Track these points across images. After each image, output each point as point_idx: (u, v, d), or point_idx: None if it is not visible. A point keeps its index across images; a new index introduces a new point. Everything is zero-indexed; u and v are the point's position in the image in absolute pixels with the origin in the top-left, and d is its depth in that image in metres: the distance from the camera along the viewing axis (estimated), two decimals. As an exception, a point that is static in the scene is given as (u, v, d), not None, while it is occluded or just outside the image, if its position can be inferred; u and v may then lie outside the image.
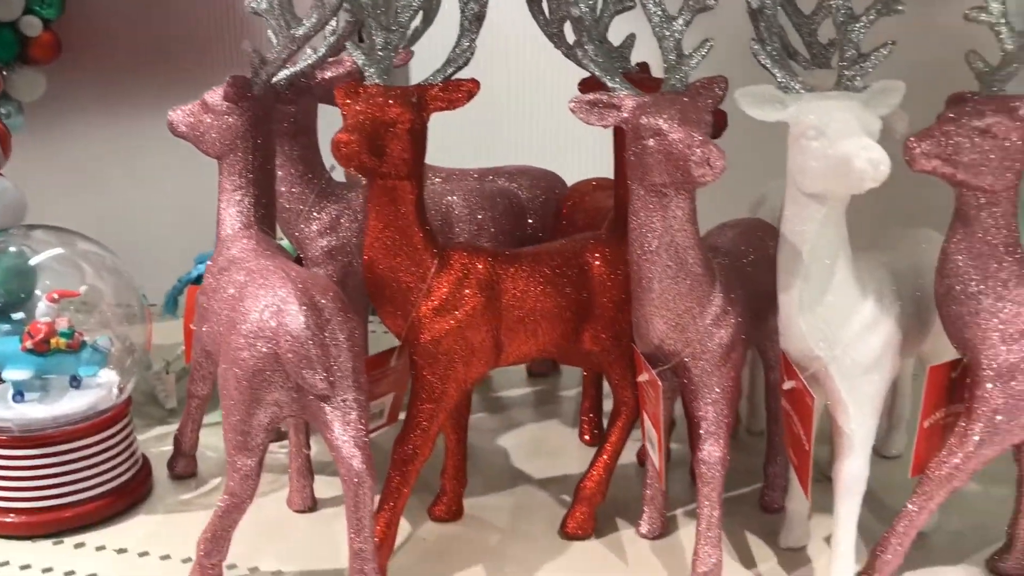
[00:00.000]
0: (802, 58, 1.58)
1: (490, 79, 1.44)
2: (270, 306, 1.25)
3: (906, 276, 1.38)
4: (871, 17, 1.29)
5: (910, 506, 1.32)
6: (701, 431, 1.37)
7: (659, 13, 1.32)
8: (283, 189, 1.73)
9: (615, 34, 1.53)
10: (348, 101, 1.33)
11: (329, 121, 1.58)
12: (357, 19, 1.42)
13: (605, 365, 1.52)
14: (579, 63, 1.39)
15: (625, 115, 1.27)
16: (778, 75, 1.30)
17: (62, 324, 1.56)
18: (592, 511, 1.54)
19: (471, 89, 1.35)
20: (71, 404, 1.57)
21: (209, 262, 1.51)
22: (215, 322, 1.38)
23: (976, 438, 1.28)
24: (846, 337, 1.29)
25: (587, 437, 1.87)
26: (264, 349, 1.24)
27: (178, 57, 2.47)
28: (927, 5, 1.54)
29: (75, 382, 1.61)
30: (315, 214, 1.72)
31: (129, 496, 1.62)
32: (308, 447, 1.61)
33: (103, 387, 1.62)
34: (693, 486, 1.50)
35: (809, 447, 1.30)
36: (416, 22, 1.46)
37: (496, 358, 1.43)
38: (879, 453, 1.66)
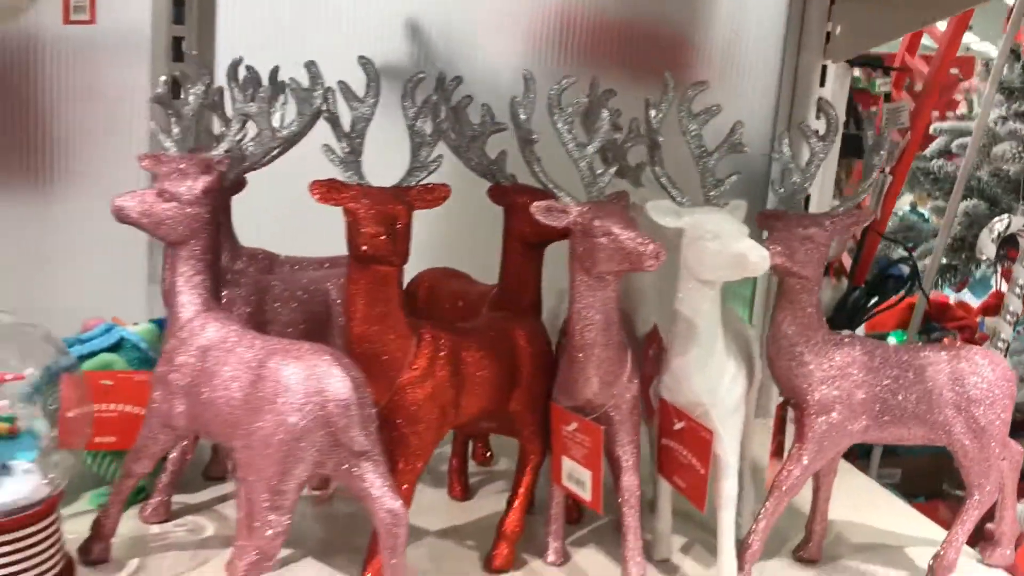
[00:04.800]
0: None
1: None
2: (313, 375, 1.40)
3: (738, 339, 1.88)
4: (722, 152, 1.79)
5: (767, 507, 1.78)
6: (622, 465, 1.73)
7: (573, 141, 1.70)
8: None
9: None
10: (352, 197, 1.53)
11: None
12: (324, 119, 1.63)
13: (520, 422, 1.82)
14: (536, 179, 1.72)
15: (573, 218, 1.62)
16: (673, 194, 1.75)
17: (2, 409, 1.52)
18: (513, 547, 1.82)
19: (446, 193, 1.62)
20: (15, 491, 1.52)
21: (168, 344, 1.58)
22: (205, 403, 1.48)
23: (807, 457, 1.78)
24: (722, 388, 1.74)
25: (457, 492, 2.13)
26: (313, 413, 1.39)
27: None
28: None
29: (5, 470, 1.55)
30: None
31: (62, 585, 1.59)
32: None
33: (32, 474, 1.58)
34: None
35: (706, 472, 1.72)
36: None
37: (456, 418, 1.69)
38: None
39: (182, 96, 1.90)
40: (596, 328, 1.64)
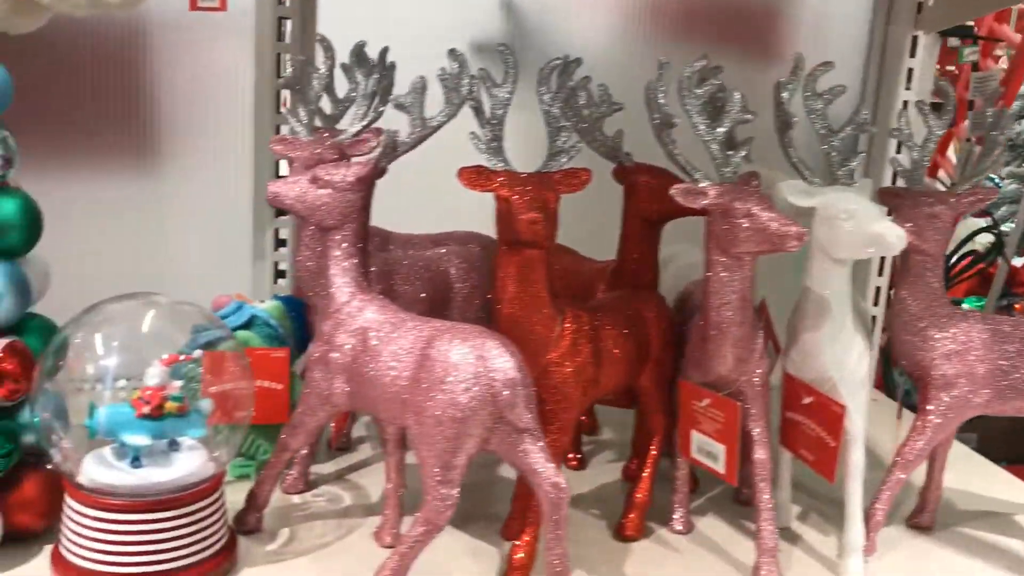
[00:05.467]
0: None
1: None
2: (482, 356, 1.47)
3: (861, 315, 1.92)
4: (847, 132, 1.82)
5: (891, 479, 1.84)
6: (754, 440, 1.79)
7: (703, 123, 1.74)
8: (314, 255, 1.92)
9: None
10: (503, 184, 1.58)
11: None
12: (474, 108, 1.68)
13: (649, 397, 1.88)
14: (673, 161, 1.76)
15: (712, 199, 1.66)
16: (805, 173, 1.78)
17: (173, 388, 1.59)
18: (643, 516, 1.89)
19: (587, 178, 1.67)
20: (189, 466, 1.60)
21: (325, 325, 1.65)
22: (369, 382, 1.55)
23: (931, 430, 1.83)
24: (851, 362, 1.79)
25: (573, 463, 2.20)
26: (483, 392, 1.46)
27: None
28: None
29: (175, 445, 1.63)
30: None
31: (229, 556, 1.66)
32: (405, 486, 1.78)
33: (199, 450, 1.66)
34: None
35: (837, 444, 1.77)
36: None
37: (594, 394, 1.75)
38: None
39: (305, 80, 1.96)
40: (732, 307, 1.69)
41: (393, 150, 1.68)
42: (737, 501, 2.08)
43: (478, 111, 1.69)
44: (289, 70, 1.98)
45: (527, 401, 1.49)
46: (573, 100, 1.91)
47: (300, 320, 2.15)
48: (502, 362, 1.47)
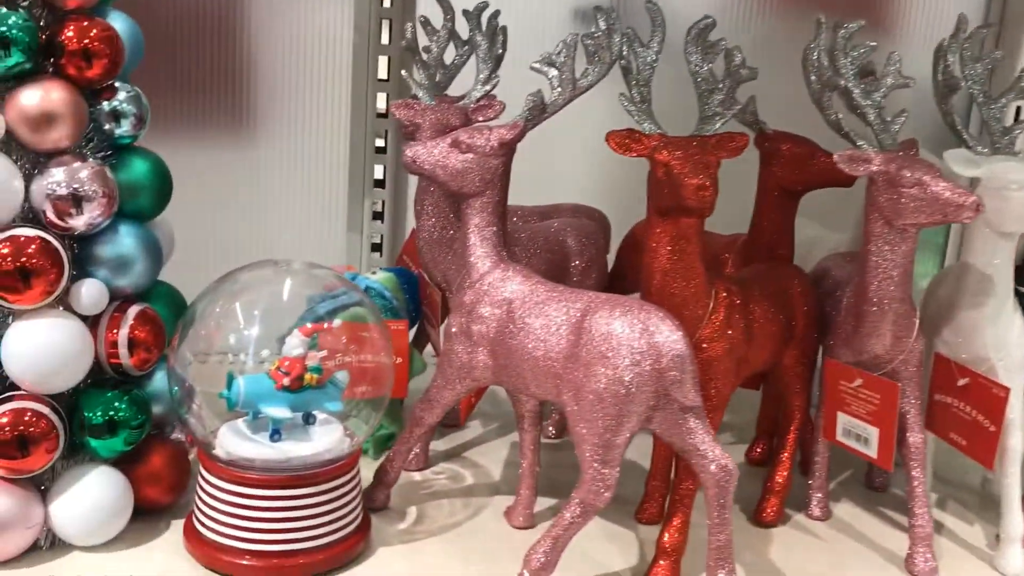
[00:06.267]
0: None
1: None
2: (647, 329, 1.38)
3: None
4: (1009, 98, 1.71)
5: None
6: (908, 423, 1.69)
7: (859, 88, 1.64)
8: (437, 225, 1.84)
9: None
10: (659, 147, 1.49)
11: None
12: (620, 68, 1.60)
13: (791, 377, 1.79)
14: (837, 129, 1.66)
15: (877, 167, 1.57)
16: (969, 141, 1.68)
17: (313, 359, 1.53)
18: (782, 502, 1.81)
19: (745, 142, 1.57)
20: (327, 441, 1.54)
21: (466, 296, 1.57)
22: (517, 356, 1.48)
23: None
24: (1011, 342, 1.69)
25: None
26: (649, 368, 1.37)
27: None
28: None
29: (311, 419, 1.57)
30: None
31: (365, 535, 1.60)
32: (539, 465, 1.71)
33: (332, 423, 1.59)
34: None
35: (998, 429, 1.67)
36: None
37: (744, 372, 1.66)
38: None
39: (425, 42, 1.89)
40: (894, 282, 1.60)
41: (541, 112, 1.59)
42: (870, 486, 1.99)
43: (627, 72, 1.60)
44: (405, 35, 1.89)
45: (694, 378, 1.41)
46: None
47: (413, 292, 2.08)
48: (669, 336, 1.39)
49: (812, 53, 1.69)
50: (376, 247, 2.61)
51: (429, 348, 2.13)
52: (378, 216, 2.59)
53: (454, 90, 1.93)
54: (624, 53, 1.60)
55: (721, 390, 1.59)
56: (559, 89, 1.58)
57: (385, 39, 2.47)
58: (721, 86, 1.60)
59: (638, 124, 1.58)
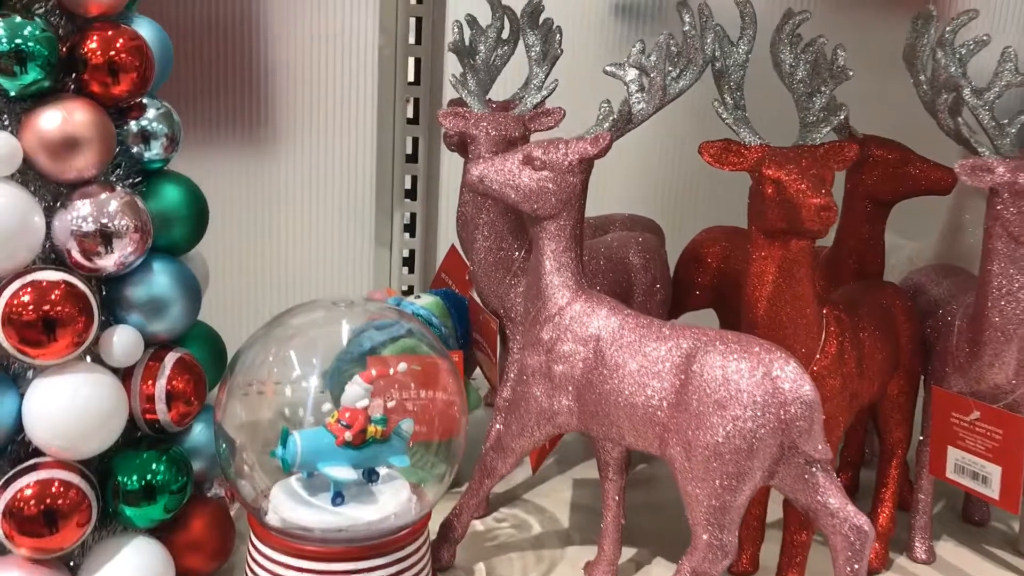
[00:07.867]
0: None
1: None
2: (769, 373, 1.21)
3: None
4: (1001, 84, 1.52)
5: None
6: (1029, 458, 1.53)
7: (969, 86, 1.47)
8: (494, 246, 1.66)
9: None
10: (773, 161, 1.31)
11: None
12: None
13: (894, 408, 1.62)
14: (956, 136, 1.49)
15: (1002, 177, 1.40)
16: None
17: (377, 409, 1.34)
18: (886, 545, 1.64)
19: (855, 153, 1.39)
20: (394, 503, 1.35)
21: (543, 331, 1.39)
22: (609, 401, 1.31)
23: None
24: None
25: None
26: (775, 418, 1.20)
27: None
28: None
29: (375, 476, 1.38)
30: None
31: (434, 601, 1.43)
32: (624, 518, 1.53)
33: (397, 479, 1.41)
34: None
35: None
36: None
37: (855, 407, 1.49)
38: None
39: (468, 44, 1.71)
40: (1022, 304, 1.43)
41: (627, 122, 1.41)
42: (968, 520, 1.83)
43: (721, 74, 1.42)
44: (452, 33, 1.70)
45: (822, 427, 1.23)
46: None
47: (461, 316, 1.90)
48: (795, 381, 1.21)
49: (922, 51, 1.51)
50: (407, 261, 2.43)
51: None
52: (408, 229, 2.41)
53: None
54: (716, 54, 1.43)
55: (834, 430, 1.42)
56: (646, 95, 1.40)
57: (412, 39, 2.29)
58: (824, 89, 1.43)
59: (733, 133, 1.41)
